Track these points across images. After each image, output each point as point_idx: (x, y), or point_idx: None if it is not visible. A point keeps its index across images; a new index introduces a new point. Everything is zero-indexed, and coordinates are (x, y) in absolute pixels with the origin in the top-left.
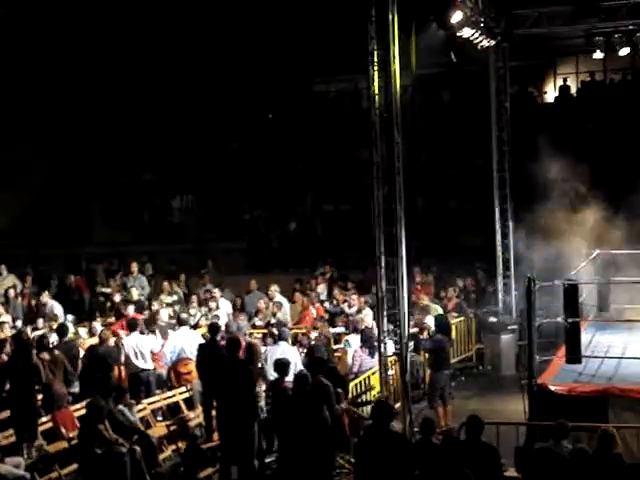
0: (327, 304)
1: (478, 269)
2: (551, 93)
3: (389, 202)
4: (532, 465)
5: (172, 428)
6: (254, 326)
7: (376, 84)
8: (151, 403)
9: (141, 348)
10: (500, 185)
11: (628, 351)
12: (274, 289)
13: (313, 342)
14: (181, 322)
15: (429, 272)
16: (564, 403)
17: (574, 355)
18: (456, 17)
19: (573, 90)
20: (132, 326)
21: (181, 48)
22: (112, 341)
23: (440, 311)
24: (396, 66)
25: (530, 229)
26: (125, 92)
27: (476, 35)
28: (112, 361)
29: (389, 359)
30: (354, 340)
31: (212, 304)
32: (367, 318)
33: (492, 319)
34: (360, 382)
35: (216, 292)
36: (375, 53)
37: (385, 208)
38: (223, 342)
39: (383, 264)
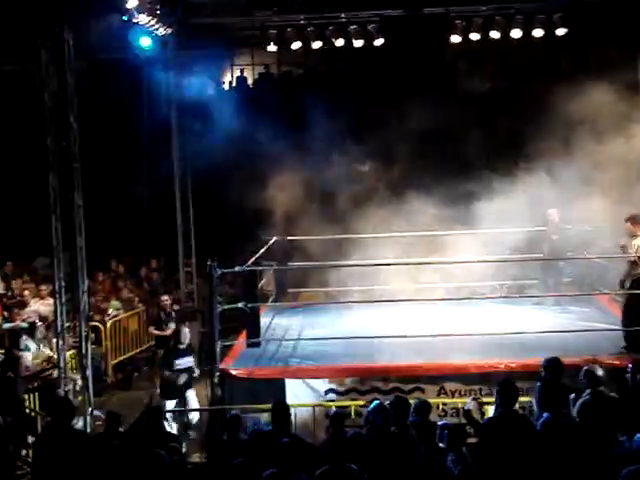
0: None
1: (159, 258)
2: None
3: (66, 190)
4: (215, 451)
5: None
6: None
7: (48, 67)
8: None
9: None
10: (182, 173)
11: (303, 333)
12: None
13: None
14: None
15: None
16: (245, 386)
17: (254, 339)
18: (132, 2)
19: (250, 81)
20: None
21: None
22: None
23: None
24: (70, 49)
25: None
26: None
27: (152, 22)
28: None
29: (68, 353)
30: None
31: None
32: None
33: (175, 307)
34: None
35: None
36: (48, 35)
37: (62, 196)
38: None
39: (60, 255)
